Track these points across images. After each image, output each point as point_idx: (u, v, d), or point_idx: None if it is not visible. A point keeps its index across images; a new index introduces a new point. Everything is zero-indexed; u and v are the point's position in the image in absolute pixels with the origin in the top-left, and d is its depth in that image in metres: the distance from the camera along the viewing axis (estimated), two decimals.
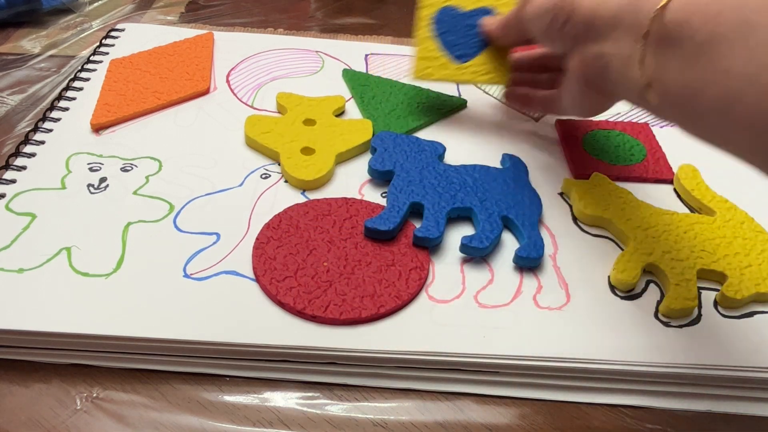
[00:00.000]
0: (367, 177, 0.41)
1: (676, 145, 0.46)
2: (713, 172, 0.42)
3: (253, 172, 0.41)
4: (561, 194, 0.41)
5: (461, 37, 0.42)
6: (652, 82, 0.28)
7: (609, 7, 0.31)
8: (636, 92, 0.30)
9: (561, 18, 0.34)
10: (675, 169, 0.43)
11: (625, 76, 0.30)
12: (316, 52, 0.54)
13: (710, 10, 0.25)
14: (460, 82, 0.43)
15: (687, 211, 0.41)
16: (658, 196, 0.41)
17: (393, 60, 0.54)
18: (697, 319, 0.34)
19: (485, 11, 0.43)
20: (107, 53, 0.51)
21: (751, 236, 0.38)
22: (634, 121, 0.49)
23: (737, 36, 0.24)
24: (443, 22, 0.42)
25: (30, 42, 0.55)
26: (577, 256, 0.37)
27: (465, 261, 0.36)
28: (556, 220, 0.39)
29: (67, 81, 0.48)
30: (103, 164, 0.40)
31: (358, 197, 0.40)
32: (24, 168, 0.40)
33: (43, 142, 0.42)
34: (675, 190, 0.42)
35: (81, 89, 0.47)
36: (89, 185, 0.39)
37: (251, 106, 0.47)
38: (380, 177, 0.40)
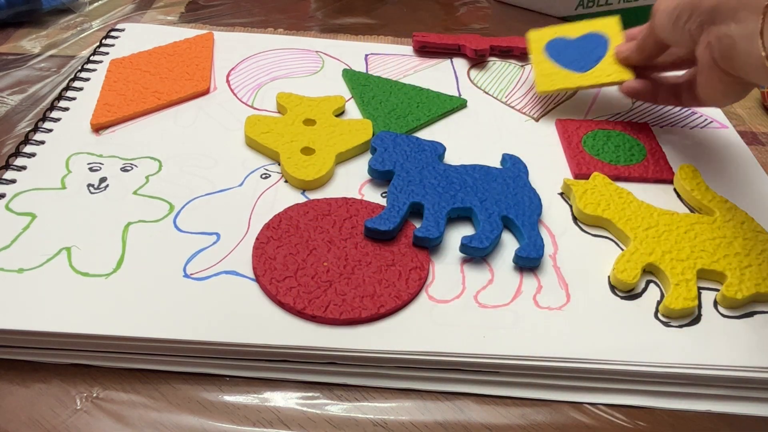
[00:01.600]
0: (367, 177, 0.41)
1: (676, 145, 0.46)
2: (713, 172, 0.42)
3: (253, 172, 0.41)
4: (561, 194, 0.41)
5: (577, 55, 0.47)
6: None
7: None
8: (761, 66, 0.32)
9: (686, 12, 0.37)
10: (675, 169, 0.43)
11: (749, 53, 0.32)
12: (316, 52, 0.54)
13: None
14: (586, 87, 0.47)
15: (687, 211, 0.41)
16: (658, 196, 0.41)
17: (393, 60, 0.54)
18: (697, 319, 0.34)
19: (594, 36, 0.48)
20: (107, 53, 0.51)
21: (751, 236, 0.38)
22: (634, 121, 0.49)
23: None
24: (556, 49, 0.48)
25: (30, 42, 0.55)
26: (577, 256, 0.37)
27: (465, 261, 0.36)
28: (556, 220, 0.39)
29: (67, 81, 0.48)
30: (103, 164, 0.40)
31: (358, 197, 0.40)
32: (24, 168, 0.40)
33: (43, 142, 0.42)
34: (675, 190, 0.42)
35: (81, 89, 0.47)
36: (89, 185, 0.39)
37: (251, 106, 0.47)
38: (380, 177, 0.40)
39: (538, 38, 0.50)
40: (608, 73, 0.46)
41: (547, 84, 0.47)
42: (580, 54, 0.47)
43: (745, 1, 0.33)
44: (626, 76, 0.46)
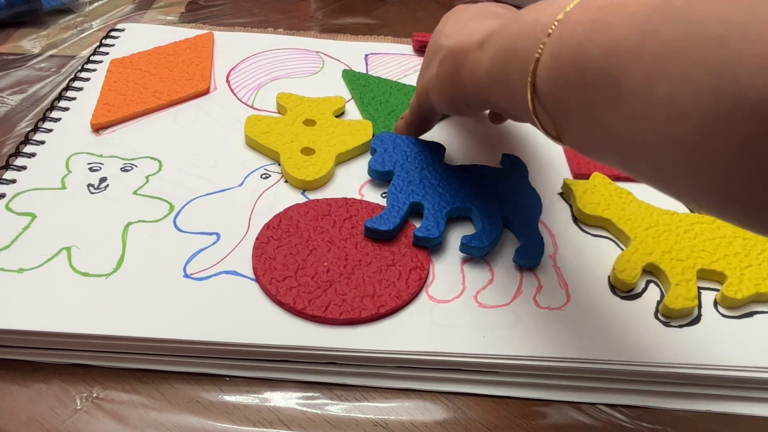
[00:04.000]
0: (367, 177, 0.41)
1: None
2: None
3: (253, 172, 0.41)
4: (561, 194, 0.41)
5: None
6: (560, 137, 0.27)
7: (488, 67, 0.30)
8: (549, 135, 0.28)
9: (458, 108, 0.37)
10: None
11: (533, 122, 0.28)
12: (316, 52, 0.54)
13: (575, 80, 0.24)
14: None
15: (687, 211, 0.41)
16: (658, 196, 0.41)
17: (393, 60, 0.54)
18: (697, 319, 0.34)
19: None
20: (107, 53, 0.51)
21: (751, 236, 0.38)
22: None
23: (607, 100, 0.23)
24: None
25: (30, 42, 0.55)
26: (577, 256, 0.37)
27: (465, 261, 0.36)
28: (556, 220, 0.39)
29: (67, 81, 0.48)
30: (103, 164, 0.40)
31: (358, 197, 0.40)
32: (24, 168, 0.40)
33: (43, 142, 0.42)
34: None
35: (81, 89, 0.47)
36: (89, 185, 0.39)
37: (251, 106, 0.47)
38: (380, 178, 0.40)
39: None
40: None
41: None
42: None
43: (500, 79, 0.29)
44: None
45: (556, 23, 0.25)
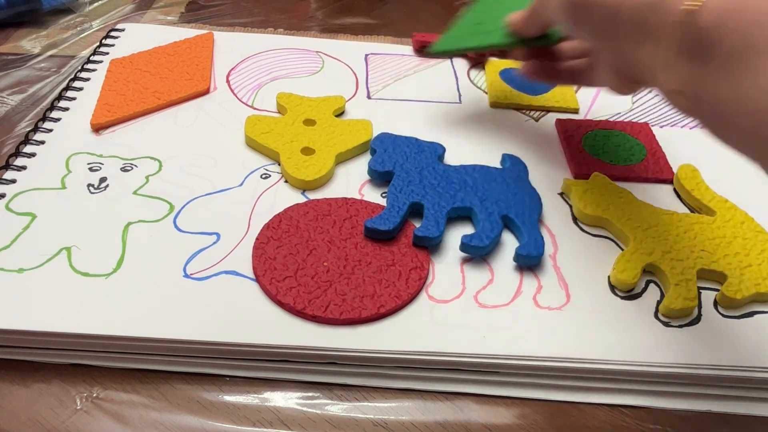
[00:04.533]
0: (367, 177, 0.41)
1: (676, 145, 0.46)
2: (713, 172, 0.42)
3: (253, 172, 0.41)
4: (561, 194, 0.41)
5: (528, 84, 0.50)
6: (684, 89, 0.26)
7: (632, 2, 0.28)
8: (667, 93, 0.28)
9: (582, 8, 0.31)
10: (675, 169, 0.43)
11: (655, 77, 0.28)
12: (316, 52, 0.54)
13: (745, 18, 0.23)
14: (534, 107, 0.49)
15: (687, 211, 0.41)
16: (658, 196, 0.41)
17: (393, 60, 0.54)
18: (697, 319, 0.34)
19: None
20: (107, 53, 0.51)
21: (751, 236, 0.38)
22: (634, 121, 0.49)
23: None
24: (509, 76, 0.52)
25: (30, 42, 0.55)
26: (577, 256, 0.37)
27: (465, 261, 0.36)
28: (556, 220, 0.39)
29: (67, 81, 0.48)
30: (103, 164, 0.40)
31: (358, 197, 0.40)
32: (24, 168, 0.40)
33: (43, 142, 0.42)
34: (675, 190, 0.42)
35: (81, 89, 0.47)
36: (89, 185, 0.39)
37: (251, 106, 0.47)
38: (380, 178, 0.40)
39: (494, 66, 0.53)
40: (556, 100, 0.50)
41: (500, 98, 0.50)
42: (531, 83, 0.49)
43: (645, 19, 0.27)
44: (572, 104, 0.49)
45: None
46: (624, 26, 0.29)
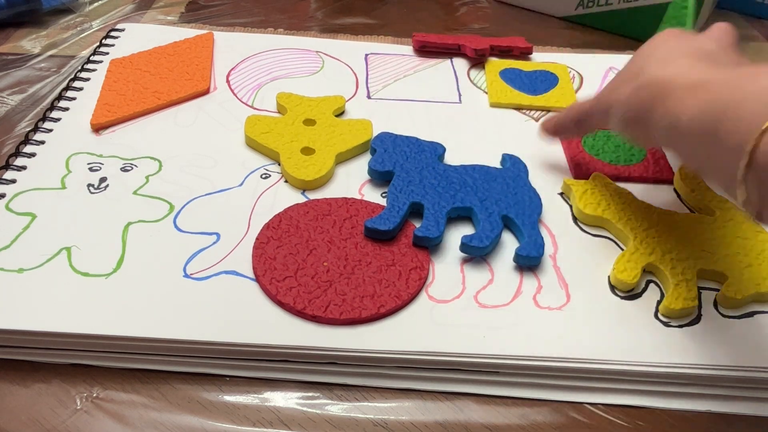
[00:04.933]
0: (367, 177, 0.41)
1: None
2: None
3: (253, 172, 0.41)
4: (561, 194, 0.41)
5: (528, 83, 0.52)
6: (761, 211, 0.25)
7: (695, 114, 0.27)
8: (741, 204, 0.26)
9: (642, 114, 0.32)
10: (675, 169, 0.43)
11: (728, 188, 0.26)
12: (316, 52, 0.54)
13: None
14: (535, 108, 0.50)
15: (687, 211, 0.41)
16: (658, 196, 0.41)
17: (393, 60, 0.54)
18: (697, 319, 0.34)
19: (544, 72, 0.53)
20: (107, 53, 0.51)
21: (751, 236, 0.38)
22: None
23: None
24: (509, 76, 0.52)
25: (30, 42, 0.55)
26: (577, 256, 0.37)
27: (465, 261, 0.36)
28: (556, 220, 0.39)
29: (67, 81, 0.48)
30: (103, 164, 0.40)
31: (358, 197, 0.40)
32: (24, 168, 0.40)
33: (43, 142, 0.42)
34: (675, 190, 0.42)
35: (81, 89, 0.47)
36: (89, 185, 0.39)
37: (251, 106, 0.47)
38: (380, 178, 0.40)
39: (494, 66, 0.54)
40: (556, 100, 0.50)
41: (500, 98, 0.50)
42: (531, 83, 0.52)
43: (715, 130, 0.26)
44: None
45: None
46: (680, 154, 0.31)
